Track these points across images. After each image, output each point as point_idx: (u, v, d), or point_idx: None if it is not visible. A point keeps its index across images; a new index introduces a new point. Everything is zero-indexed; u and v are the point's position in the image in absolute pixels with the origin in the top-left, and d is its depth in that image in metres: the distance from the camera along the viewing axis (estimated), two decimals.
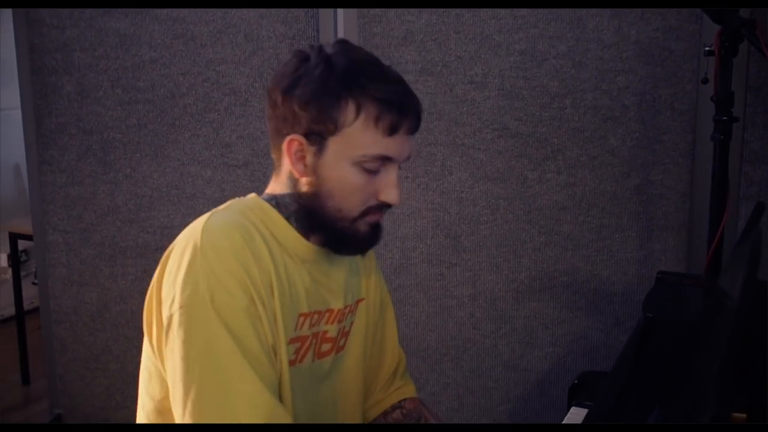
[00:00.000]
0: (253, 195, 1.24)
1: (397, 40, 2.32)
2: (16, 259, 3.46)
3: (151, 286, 1.17)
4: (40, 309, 2.76)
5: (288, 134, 1.16)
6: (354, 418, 1.35)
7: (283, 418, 1.10)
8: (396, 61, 2.33)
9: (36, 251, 2.75)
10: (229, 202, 1.21)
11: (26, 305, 3.48)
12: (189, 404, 1.07)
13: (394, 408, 1.42)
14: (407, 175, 2.38)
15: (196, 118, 2.50)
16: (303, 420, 1.23)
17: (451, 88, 2.32)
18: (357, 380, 1.34)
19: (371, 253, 1.38)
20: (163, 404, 1.19)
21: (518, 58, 2.26)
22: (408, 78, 2.31)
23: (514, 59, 2.26)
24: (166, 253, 1.16)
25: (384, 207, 1.20)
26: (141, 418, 1.25)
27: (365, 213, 1.19)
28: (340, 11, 2.33)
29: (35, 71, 2.57)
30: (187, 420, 1.07)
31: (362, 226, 1.20)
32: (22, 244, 3.49)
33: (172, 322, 1.09)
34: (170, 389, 1.11)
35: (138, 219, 2.55)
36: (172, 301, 1.09)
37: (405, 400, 1.44)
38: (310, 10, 2.36)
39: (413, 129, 1.20)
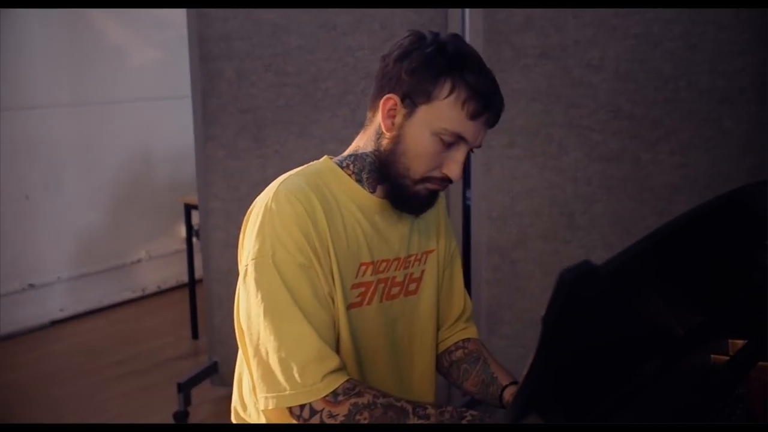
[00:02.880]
0: (325, 157, 1.45)
1: (518, 26, 2.46)
2: (189, 230, 3.89)
3: (240, 237, 1.42)
4: (203, 269, 3.14)
5: (388, 93, 1.36)
6: (428, 354, 1.53)
7: (329, 357, 1.30)
8: (517, 46, 2.47)
9: (200, 217, 3.12)
10: (303, 167, 1.43)
11: (198, 274, 3.92)
12: (257, 336, 1.32)
13: (457, 347, 1.59)
14: (526, 154, 2.51)
15: (336, 99, 2.76)
16: (380, 355, 1.43)
17: (569, 71, 2.43)
18: (430, 322, 1.52)
19: (443, 211, 1.56)
20: None
21: (633, 41, 2.33)
22: (527, 62, 2.46)
23: (630, 42, 2.34)
24: (250, 209, 1.40)
25: (444, 180, 1.37)
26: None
27: (426, 179, 1.36)
28: None
29: (202, 58, 2.94)
30: (252, 352, 1.32)
31: (422, 190, 1.37)
32: (195, 219, 3.91)
33: (247, 271, 1.34)
34: (242, 321, 1.37)
35: None
36: (248, 253, 1.34)
37: (468, 340, 1.60)
38: None
39: (491, 123, 1.36)
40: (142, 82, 4.39)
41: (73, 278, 4.19)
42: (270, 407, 1.31)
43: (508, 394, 1.46)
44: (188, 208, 3.81)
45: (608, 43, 2.36)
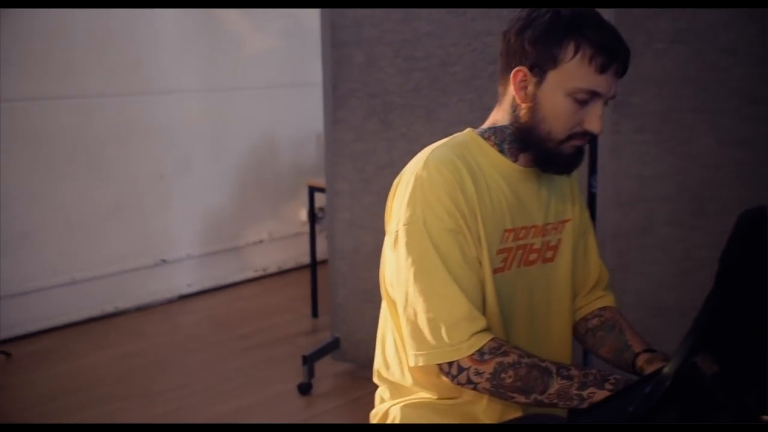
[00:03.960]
0: (468, 129, 1.51)
1: (651, 11, 2.45)
2: (312, 213, 4.03)
3: (388, 200, 1.50)
4: (327, 247, 3.27)
5: (516, 66, 1.42)
6: (565, 321, 1.58)
7: (476, 317, 1.36)
8: (649, 30, 2.47)
9: (326, 198, 3.25)
10: (448, 138, 1.50)
11: (319, 256, 4.06)
12: (406, 297, 1.39)
13: (593, 315, 1.63)
14: (655, 139, 2.51)
15: (463, 84, 2.82)
16: (520, 320, 1.49)
17: (702, 55, 2.41)
18: (567, 288, 1.57)
19: (576, 182, 1.61)
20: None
21: None
22: (660, 47, 2.45)
23: (765, 25, 2.30)
24: (398, 178, 1.48)
25: (587, 135, 1.42)
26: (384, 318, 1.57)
27: (570, 137, 1.42)
28: None
29: (334, 44, 3.05)
30: (403, 309, 1.40)
31: (567, 148, 1.43)
32: (318, 202, 4.04)
33: (398, 236, 1.41)
34: (393, 284, 1.44)
35: None
36: (399, 219, 1.41)
37: (605, 308, 1.64)
38: None
39: (621, 71, 1.40)
40: (264, 69, 4.57)
41: (200, 256, 4.41)
42: (420, 364, 1.39)
43: (641, 360, 1.49)
44: (312, 191, 3.94)
45: (744, 27, 2.33)
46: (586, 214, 1.64)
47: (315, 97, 4.65)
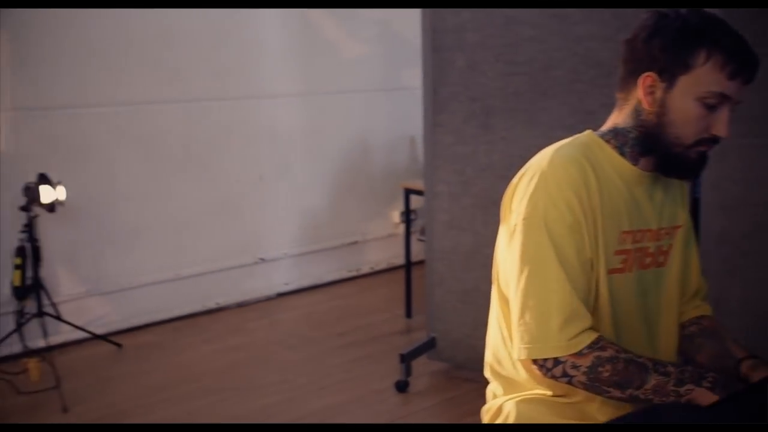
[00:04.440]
0: (589, 131, 1.54)
1: (757, 12, 2.42)
2: (408, 214, 4.09)
3: (505, 196, 1.54)
4: (425, 247, 3.32)
5: (643, 72, 1.45)
6: (673, 326, 1.59)
7: (584, 316, 1.39)
8: (756, 32, 2.43)
9: (425, 200, 3.30)
10: (570, 138, 1.53)
11: (412, 257, 4.12)
12: (518, 291, 1.43)
13: (691, 323, 1.64)
14: (760, 142, 2.47)
15: (565, 88, 2.84)
16: (632, 322, 1.51)
17: None
18: (676, 294, 1.59)
19: (686, 190, 1.63)
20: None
21: None
22: (765, 50, 2.41)
23: None
24: (518, 175, 1.52)
25: (713, 140, 1.44)
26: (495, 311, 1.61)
27: (698, 143, 1.44)
28: None
29: (435, 49, 3.11)
30: (514, 302, 1.44)
31: (692, 153, 1.45)
32: (413, 205, 4.11)
33: (516, 229, 1.45)
34: (509, 275, 1.48)
35: (511, 175, 2.94)
36: (519, 213, 1.45)
37: (702, 317, 1.65)
38: None
39: (749, 79, 1.42)
40: (359, 74, 4.66)
41: (297, 255, 4.53)
42: (523, 357, 1.43)
43: (745, 367, 1.50)
44: (408, 193, 4.01)
45: None
46: (690, 222, 1.66)
47: (407, 101, 4.75)
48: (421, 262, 4.08)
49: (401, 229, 4.84)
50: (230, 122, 4.18)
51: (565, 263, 1.40)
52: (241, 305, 4.29)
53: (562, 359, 1.38)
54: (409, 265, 4.09)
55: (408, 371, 3.25)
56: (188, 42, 3.96)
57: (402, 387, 3.22)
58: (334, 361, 3.57)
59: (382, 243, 4.88)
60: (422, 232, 4.43)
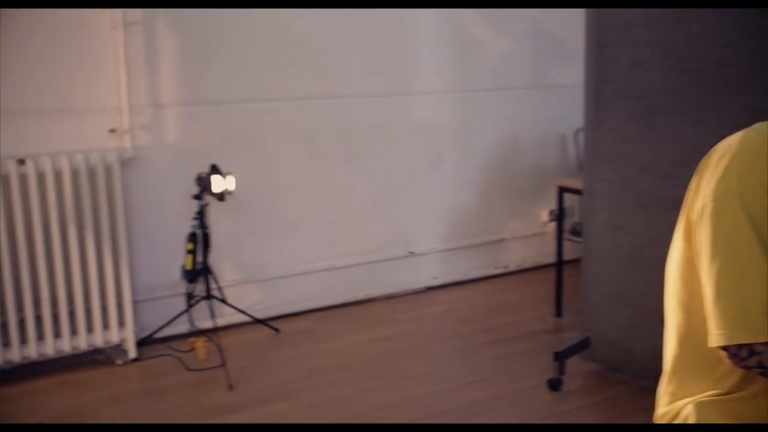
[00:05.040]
0: None
1: None
2: (561, 214, 4.06)
3: (691, 186, 1.50)
4: (583, 245, 3.29)
5: None
6: None
7: None
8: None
9: (584, 198, 3.28)
10: (758, 123, 1.48)
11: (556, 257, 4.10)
12: (713, 274, 1.38)
13: None
14: None
15: (736, 85, 2.74)
16: None
17: None
18: None
19: None
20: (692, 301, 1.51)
21: None
22: None
23: None
24: (708, 155, 1.48)
25: None
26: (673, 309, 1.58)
27: None
28: None
29: (599, 46, 3.07)
30: (708, 287, 1.40)
31: None
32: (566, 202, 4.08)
33: (704, 209, 1.41)
34: (700, 259, 1.43)
35: (674, 175, 2.89)
36: (708, 194, 1.41)
37: None
38: None
39: None
40: (509, 71, 4.64)
41: (445, 250, 4.58)
42: (721, 344, 1.36)
43: None
44: (561, 191, 3.98)
45: None
46: None
47: (558, 98, 4.72)
48: (569, 262, 4.07)
49: (549, 227, 4.82)
50: (385, 118, 4.28)
51: (765, 244, 1.33)
52: (389, 297, 4.39)
53: (757, 349, 1.32)
54: (560, 264, 4.06)
55: (561, 370, 3.23)
56: (348, 41, 4.08)
57: (555, 385, 3.21)
58: (483, 356, 3.60)
59: (529, 241, 4.86)
60: (572, 231, 4.40)
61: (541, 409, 3.08)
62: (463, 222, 4.64)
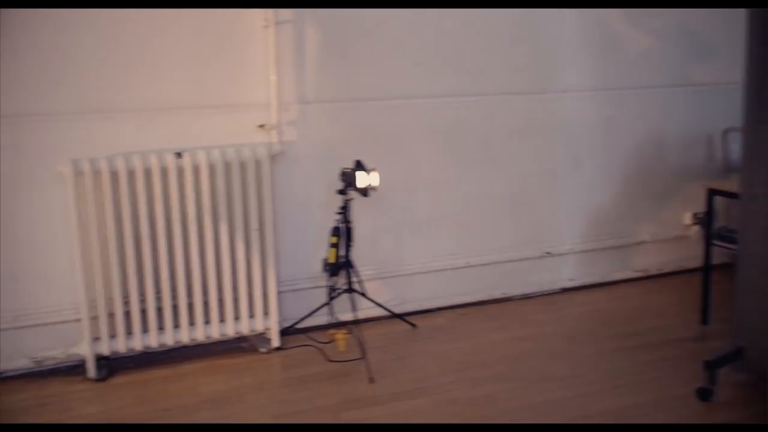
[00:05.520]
0: None
1: None
2: (710, 217, 3.88)
3: None
4: (738, 250, 3.15)
5: None
6: None
7: None
8: None
9: (740, 202, 3.13)
10: None
11: (698, 262, 3.94)
12: None
13: None
14: None
15: None
16: None
17: None
18: None
19: None
20: None
21: None
22: None
23: None
24: None
25: None
26: None
27: None
28: None
29: (764, 43, 2.93)
30: None
31: None
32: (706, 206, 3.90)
33: None
34: None
35: None
36: None
37: None
38: None
39: None
40: (650, 69, 4.49)
41: (583, 251, 4.50)
42: None
43: None
44: (711, 194, 3.82)
45: None
46: None
47: (702, 97, 4.55)
48: (715, 267, 3.90)
49: (692, 231, 4.65)
50: (525, 116, 4.23)
51: None
52: (525, 297, 4.34)
53: None
54: (708, 269, 3.90)
55: (713, 379, 3.11)
56: (489, 38, 4.06)
57: (705, 395, 3.09)
58: (627, 361, 3.50)
59: (669, 244, 4.71)
60: (719, 235, 4.21)
61: (694, 418, 2.97)
62: (602, 223, 4.53)
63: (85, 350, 3.39)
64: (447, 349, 3.67)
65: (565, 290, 4.45)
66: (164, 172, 3.39)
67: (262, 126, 3.66)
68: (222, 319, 3.59)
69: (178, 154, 3.40)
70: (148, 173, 3.36)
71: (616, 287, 4.52)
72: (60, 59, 3.28)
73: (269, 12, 3.57)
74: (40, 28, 3.23)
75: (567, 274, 4.47)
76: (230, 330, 3.60)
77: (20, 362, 3.43)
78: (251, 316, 3.64)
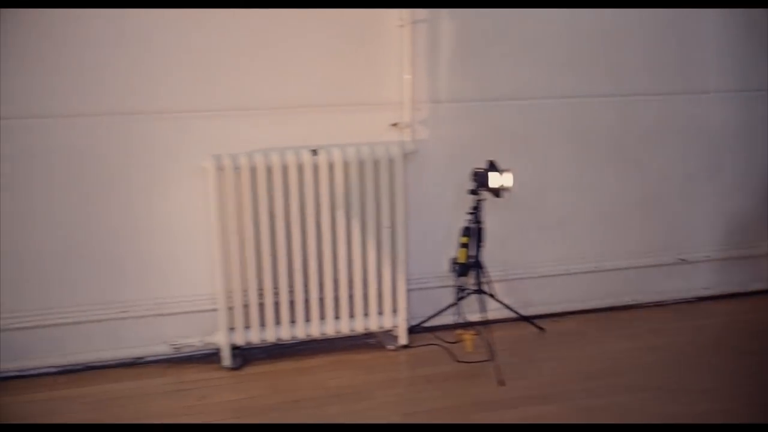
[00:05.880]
0: None
1: None
2: None
3: None
4: None
5: None
6: None
7: None
8: None
9: None
10: None
11: None
12: None
13: None
14: None
15: None
16: None
17: None
18: None
19: None
20: None
21: None
22: None
23: None
24: None
25: None
26: None
27: None
28: None
29: None
30: None
31: None
32: None
33: None
34: None
35: None
36: None
37: None
38: None
39: None
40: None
41: (720, 259, 4.31)
42: None
43: None
44: None
45: None
46: None
47: None
48: None
49: None
50: (661, 118, 4.09)
51: None
52: (658, 305, 4.21)
53: None
54: None
55: None
56: (625, 38, 3.94)
57: None
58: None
59: None
60: None
61: None
62: (741, 230, 4.33)
63: (221, 339, 3.50)
64: (577, 354, 3.60)
65: (699, 299, 4.28)
66: (300, 168, 3.45)
67: (395, 124, 3.68)
68: (351, 315, 3.63)
69: (314, 151, 3.46)
70: (285, 169, 3.43)
71: (756, 298, 4.31)
72: (203, 59, 3.40)
73: (404, 11, 3.58)
74: (189, 31, 3.35)
75: (702, 282, 4.30)
76: (359, 326, 3.64)
77: (160, 348, 3.57)
78: (380, 312, 3.67)
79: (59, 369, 3.50)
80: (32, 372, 3.46)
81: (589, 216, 4.08)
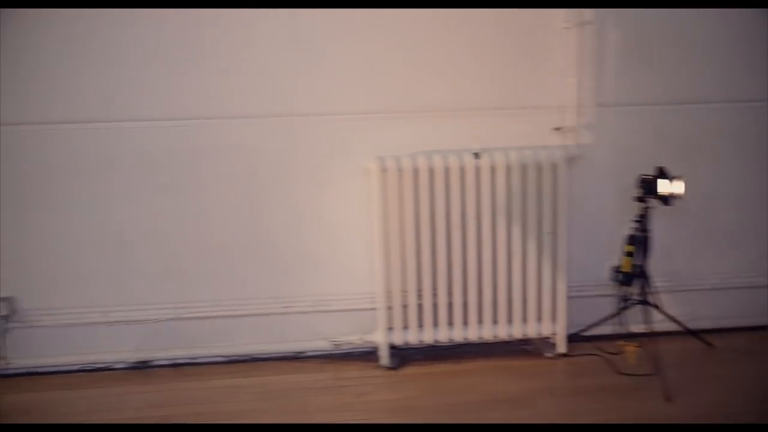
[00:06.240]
0: None
1: None
2: None
3: None
4: None
5: None
6: None
7: None
8: None
9: None
10: None
11: None
12: None
13: None
14: None
15: None
16: None
17: None
18: None
19: None
20: None
21: None
22: None
23: None
24: None
25: None
26: None
27: None
28: None
29: None
30: None
31: None
32: None
33: None
34: None
35: None
36: None
37: None
38: None
39: None
40: None
41: None
42: None
43: None
44: None
45: None
46: None
47: None
48: None
49: None
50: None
51: None
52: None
53: None
54: None
55: None
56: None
57: None
58: None
59: None
60: None
61: None
62: None
63: (379, 338, 3.55)
64: (750, 374, 3.40)
65: None
66: (462, 171, 3.45)
67: (557, 129, 3.61)
68: (509, 320, 3.59)
69: (476, 155, 3.44)
70: (446, 172, 3.44)
71: None
72: (369, 63, 3.46)
73: (571, 12, 3.51)
74: (356, 35, 3.42)
75: None
76: (517, 332, 3.59)
77: (320, 344, 3.66)
78: (539, 319, 3.61)
79: (226, 359, 3.65)
80: (202, 360, 3.63)
81: (762, 228, 3.85)
